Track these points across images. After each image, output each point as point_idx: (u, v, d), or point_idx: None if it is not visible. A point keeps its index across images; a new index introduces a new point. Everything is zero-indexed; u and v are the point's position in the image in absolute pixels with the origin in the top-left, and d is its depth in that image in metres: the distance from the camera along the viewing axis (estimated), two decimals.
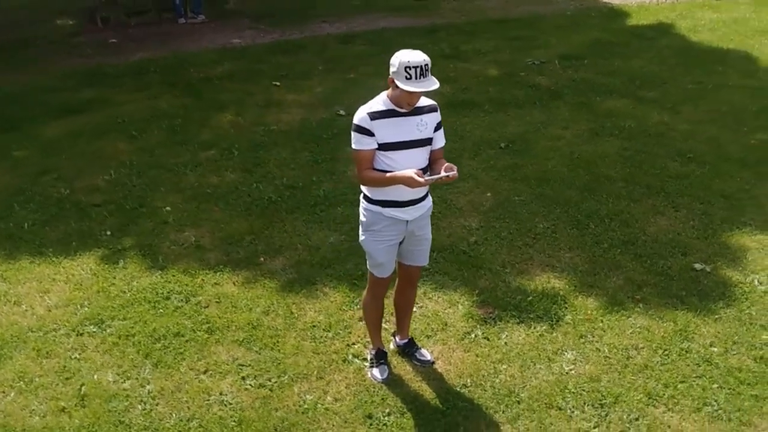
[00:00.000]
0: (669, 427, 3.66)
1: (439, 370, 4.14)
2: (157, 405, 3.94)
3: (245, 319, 4.60)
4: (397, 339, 4.26)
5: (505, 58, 9.58)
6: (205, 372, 4.17)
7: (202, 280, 5.01)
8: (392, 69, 3.37)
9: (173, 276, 5.06)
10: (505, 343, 4.32)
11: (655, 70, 8.91)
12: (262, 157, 6.82)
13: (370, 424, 3.76)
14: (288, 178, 6.39)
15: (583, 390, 3.94)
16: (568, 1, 12.45)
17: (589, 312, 4.54)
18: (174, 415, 3.88)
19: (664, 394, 3.88)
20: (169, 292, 4.89)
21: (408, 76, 3.31)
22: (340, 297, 4.79)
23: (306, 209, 5.86)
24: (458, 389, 3.99)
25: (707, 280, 4.85)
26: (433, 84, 3.34)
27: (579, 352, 4.21)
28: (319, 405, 3.92)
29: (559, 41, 10.11)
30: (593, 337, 4.35)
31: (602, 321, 4.46)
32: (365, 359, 4.21)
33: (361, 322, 4.52)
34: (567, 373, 4.07)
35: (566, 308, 4.59)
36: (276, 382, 4.08)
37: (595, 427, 3.69)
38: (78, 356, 4.33)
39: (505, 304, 4.65)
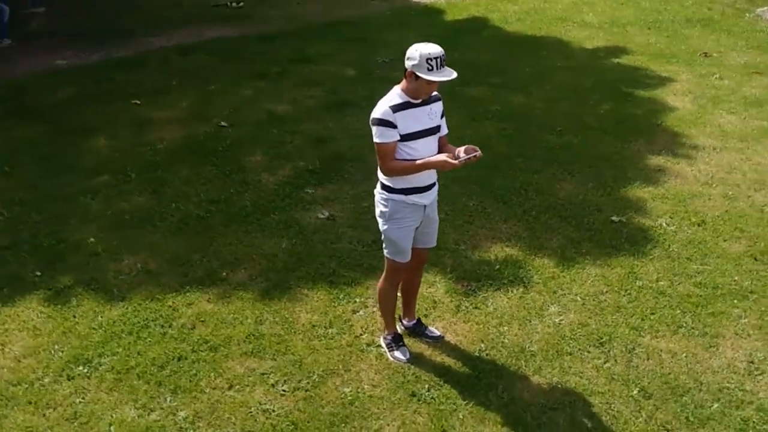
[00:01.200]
0: (661, 350, 4.33)
1: (452, 342, 4.47)
2: (199, 428, 3.86)
3: (242, 332, 4.60)
4: (405, 321, 4.53)
5: (354, 58, 9.98)
6: (230, 388, 4.15)
7: (173, 303, 4.90)
8: (412, 62, 3.64)
9: (139, 305, 4.89)
10: (494, 309, 4.76)
11: (491, 59, 9.81)
12: (163, 177, 6.64)
13: (418, 400, 4.01)
14: (204, 193, 6.31)
15: (580, 335, 4.49)
16: (380, 3, 13.12)
17: (551, 270, 5.12)
18: (222, 430, 3.81)
19: (644, 326, 4.55)
20: (144, 321, 4.73)
21: (429, 68, 3.61)
22: (324, 295, 4.93)
23: (240, 220, 5.86)
24: (477, 354, 4.36)
25: (626, 228, 5.65)
26: (453, 73, 3.67)
27: (560, 305, 4.77)
28: (361, 394, 4.07)
29: (397, 39, 10.70)
30: (564, 290, 4.93)
31: (565, 276, 5.07)
32: (379, 346, 4.42)
33: (356, 314, 4.73)
34: (559, 324, 4.60)
35: (530, 270, 5.13)
36: (308, 382, 4.17)
37: (605, 362, 4.25)
38: (83, 399, 4.10)
39: (476, 276, 5.09)
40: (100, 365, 4.32)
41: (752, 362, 4.21)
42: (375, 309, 4.74)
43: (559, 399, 3.99)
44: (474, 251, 5.37)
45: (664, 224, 5.67)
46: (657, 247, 5.34)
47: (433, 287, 4.98)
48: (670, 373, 4.13)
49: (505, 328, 4.56)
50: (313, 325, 4.65)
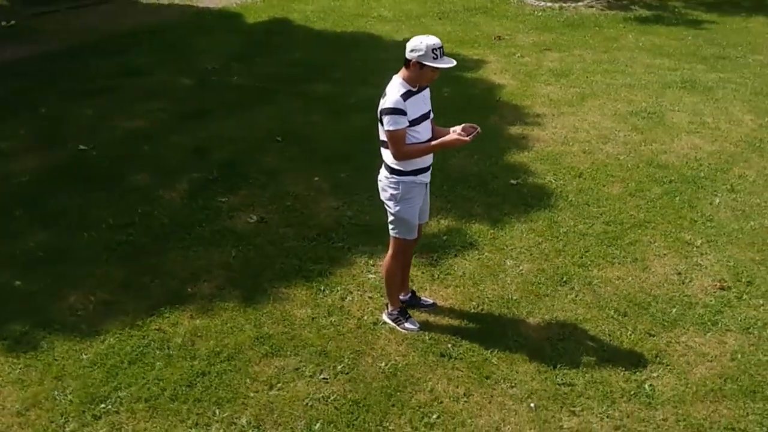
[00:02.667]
0: (610, 278, 5.21)
1: (445, 306, 4.97)
2: (267, 429, 3.98)
3: (248, 337, 4.68)
4: (402, 296, 4.93)
5: (182, 67, 9.89)
6: (272, 388, 4.27)
7: (157, 326, 4.82)
8: (418, 53, 4.06)
9: (120, 335, 4.74)
10: (463, 272, 5.34)
11: (320, 57, 10.28)
12: (52, 208, 6.27)
13: (450, 358, 4.45)
14: (112, 218, 6.09)
15: (544, 279, 5.23)
16: (169, 9, 12.94)
17: (489, 232, 5.82)
18: (292, 425, 3.97)
19: (587, 262, 5.42)
20: (137, 349, 4.62)
21: (434, 56, 4.08)
22: (304, 290, 5.13)
23: (170, 237, 5.79)
24: (473, 311, 4.91)
25: (526, 188, 6.53)
26: (453, 61, 4.18)
27: (513, 259, 5.48)
28: (397, 365, 4.43)
29: (209, 45, 10.71)
30: (509, 246, 5.65)
31: (503, 235, 5.78)
32: (385, 323, 4.79)
33: (346, 300, 5.04)
34: (522, 274, 5.30)
35: (472, 235, 5.78)
36: (343, 366, 4.42)
37: (576, 296, 5.04)
38: None
39: (432, 248, 5.62)
40: (122, 399, 4.17)
41: (680, 273, 5.24)
42: (361, 293, 5.05)
43: (560, 332, 4.66)
44: (435, 216, 5.84)
45: (552, 180, 6.62)
46: (559, 199, 6.26)
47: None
48: (628, 294, 5.01)
49: (482, 286, 5.12)
50: (313, 318, 4.84)
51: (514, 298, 4.97)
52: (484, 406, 4.04)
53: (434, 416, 3.99)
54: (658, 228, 5.77)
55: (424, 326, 4.70)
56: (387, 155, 4.28)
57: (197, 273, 5.30)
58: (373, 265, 5.36)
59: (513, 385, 4.18)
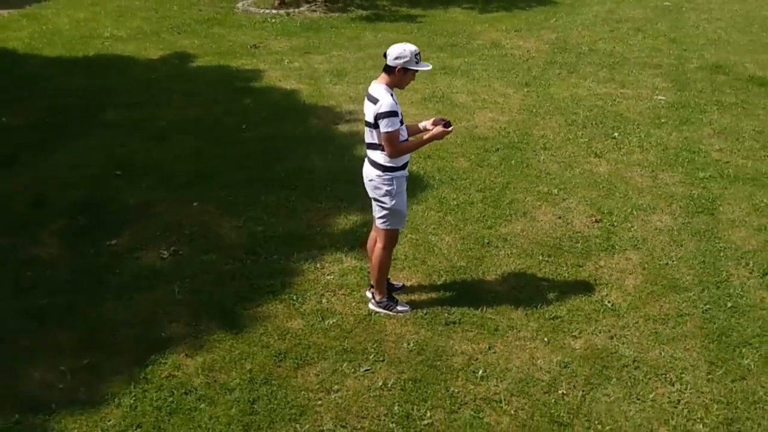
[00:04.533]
0: (517, 233, 6.29)
1: (414, 285, 5.58)
2: (355, 423, 4.32)
3: (266, 356, 4.75)
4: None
5: None
6: (329, 392, 4.47)
7: (165, 374, 4.70)
8: (403, 59, 4.63)
9: (132, 396, 4.52)
10: (405, 256, 5.88)
11: (82, 85, 9.67)
12: None
13: (456, 323, 5.08)
14: (4, 289, 5.60)
15: (471, 242, 6.10)
16: None
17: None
18: (374, 414, 4.28)
19: (494, 222, 6.39)
20: (165, 401, 4.48)
21: (416, 61, 4.71)
22: (280, 305, 5.26)
23: (90, 293, 5.43)
24: (440, 283, 5.54)
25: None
26: (429, 64, 4.83)
27: (435, 235, 6.22)
28: (420, 340, 4.93)
29: None
30: (419, 220, 6.43)
31: (410, 218, 6.56)
32: (377, 313, 5.27)
33: (328, 302, 5.38)
34: (450, 244, 6.08)
35: None
36: (375, 355, 4.74)
37: (504, 249, 6.04)
38: None
39: (359, 240, 6.18)
40: None
41: (560, 218, 6.48)
42: (333, 294, 5.40)
43: (516, 281, 5.53)
44: (328, 226, 6.30)
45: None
46: (428, 179, 7.15)
47: (348, 259, 5.83)
48: (539, 240, 6.09)
49: (429, 262, 5.80)
50: (311, 325, 5.10)
51: (461, 264, 5.73)
52: (510, 351, 4.78)
53: (480, 371, 4.59)
54: (519, 186, 6.96)
55: (414, 305, 5.24)
56: (378, 156, 4.71)
57: (153, 316, 5.11)
58: (321, 268, 5.68)
59: (518, 330, 4.97)
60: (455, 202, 6.59)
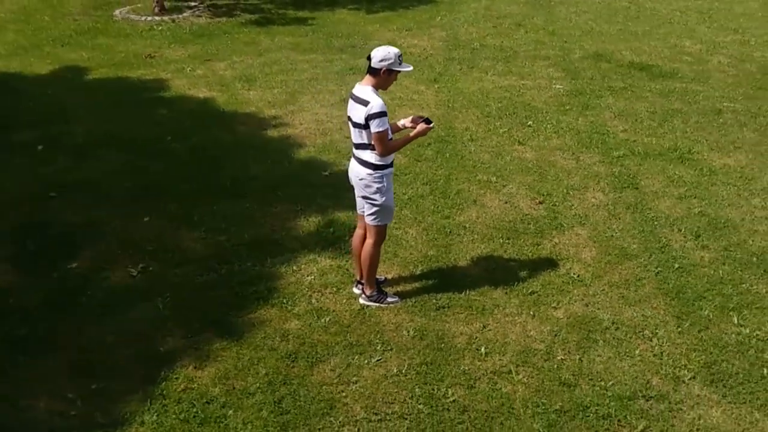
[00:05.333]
0: (472, 220, 6.73)
1: (394, 277, 5.89)
2: (384, 409, 4.59)
3: (277, 358, 4.84)
4: (359, 279, 5.66)
5: None
6: (349, 384, 4.65)
7: (181, 388, 4.73)
8: (389, 62, 4.89)
9: (153, 413, 4.50)
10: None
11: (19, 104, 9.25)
12: None
13: (445, 307, 5.39)
14: (26, 299, 5.37)
15: (433, 231, 6.44)
16: None
17: (351, 216, 6.80)
18: (399, 398, 4.51)
19: (449, 211, 6.76)
20: (190, 412, 4.48)
21: (399, 62, 5.01)
22: (272, 310, 5.31)
23: (67, 315, 5.35)
24: (419, 273, 5.83)
25: (338, 175, 7.60)
26: (410, 66, 5.13)
27: (397, 228, 6.57)
28: (418, 326, 5.25)
29: None
30: None
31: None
32: (369, 307, 5.50)
33: (318, 302, 5.56)
34: (416, 236, 6.40)
35: (347, 222, 6.70)
36: (381, 345, 4.95)
37: (466, 236, 6.46)
38: None
39: (333, 243, 6.40)
40: None
41: (507, 202, 6.98)
42: (320, 294, 5.57)
43: (486, 264, 5.91)
44: (291, 230, 6.45)
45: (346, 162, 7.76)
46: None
47: (323, 259, 6.04)
48: (494, 225, 6.51)
49: (400, 254, 6.08)
50: (309, 324, 5.23)
51: (432, 254, 6.08)
52: (503, 327, 5.17)
53: (482, 348, 4.96)
54: (460, 177, 7.40)
55: (401, 294, 5.51)
56: (368, 155, 4.95)
57: (144, 333, 5.09)
58: (299, 270, 5.83)
59: (503, 307, 5.38)
60: (406, 197, 6.90)
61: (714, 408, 4.38)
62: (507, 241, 6.17)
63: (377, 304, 5.31)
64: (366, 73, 4.83)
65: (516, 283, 5.54)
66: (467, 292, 5.45)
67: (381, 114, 4.69)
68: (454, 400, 4.43)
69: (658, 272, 5.71)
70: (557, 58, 11.35)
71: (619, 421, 4.28)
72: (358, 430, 4.26)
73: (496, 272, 5.73)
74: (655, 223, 6.44)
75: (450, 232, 6.29)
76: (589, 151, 7.91)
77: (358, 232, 5.35)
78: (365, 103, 4.71)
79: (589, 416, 4.31)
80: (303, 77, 10.31)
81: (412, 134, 4.99)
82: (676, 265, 5.79)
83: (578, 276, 5.66)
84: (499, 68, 10.80)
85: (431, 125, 4.99)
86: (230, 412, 4.34)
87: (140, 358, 4.79)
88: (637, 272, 5.72)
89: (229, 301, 5.36)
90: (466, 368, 4.70)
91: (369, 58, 4.75)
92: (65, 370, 4.66)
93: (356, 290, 5.47)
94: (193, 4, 14.63)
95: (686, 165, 7.57)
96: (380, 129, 4.72)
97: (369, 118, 4.70)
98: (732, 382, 4.57)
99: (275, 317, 5.19)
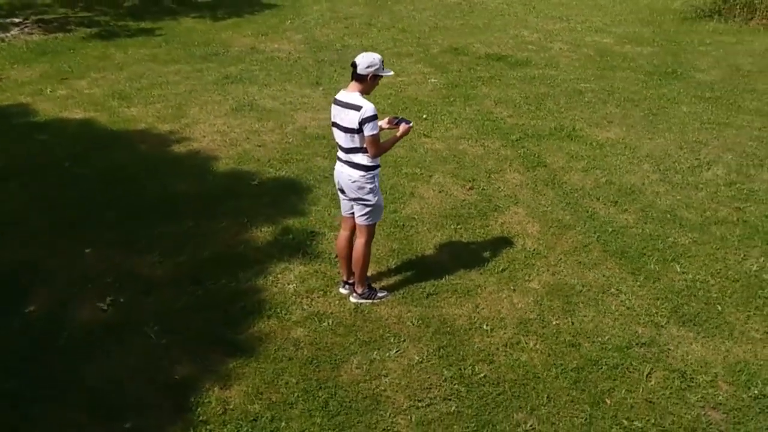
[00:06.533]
0: (418, 212, 7.13)
1: (372, 272, 6.14)
2: (423, 394, 4.91)
3: (300, 362, 4.92)
4: (348, 279, 5.88)
5: None
6: (379, 377, 4.92)
7: (220, 410, 4.70)
8: (375, 67, 5.12)
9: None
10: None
11: None
12: None
13: (433, 294, 5.72)
14: None
15: (388, 227, 6.84)
16: None
17: (301, 221, 6.98)
18: (434, 379, 4.78)
19: (395, 207, 7.20)
20: (236, 430, 4.60)
21: (382, 67, 5.30)
22: (272, 321, 5.31)
23: (54, 355, 5.12)
24: (394, 267, 6.18)
25: (270, 183, 7.68)
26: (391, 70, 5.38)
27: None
28: (419, 316, 5.51)
29: None
30: (326, 217, 6.97)
31: (317, 216, 7.03)
32: (362, 304, 5.64)
33: (309, 309, 5.71)
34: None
35: (311, 226, 6.84)
36: (394, 339, 5.21)
37: (419, 229, 6.86)
38: None
39: (304, 250, 6.52)
40: None
41: (441, 192, 7.46)
42: (309, 299, 5.66)
43: (452, 251, 6.29)
44: (248, 242, 6.46)
45: (270, 169, 7.88)
46: (300, 179, 7.63)
47: (295, 266, 6.16)
48: (440, 213, 6.96)
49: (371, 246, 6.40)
50: (315, 330, 5.35)
51: (396, 247, 6.36)
52: (493, 304, 5.61)
53: (485, 326, 5.37)
54: (388, 172, 7.67)
55: (387, 288, 5.77)
56: (360, 158, 5.15)
57: (149, 364, 4.91)
58: (276, 281, 5.86)
59: (484, 287, 5.81)
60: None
61: (693, 344, 5.10)
62: (458, 226, 6.59)
63: (370, 301, 5.52)
64: (351, 80, 4.98)
65: (485, 263, 5.98)
66: (446, 277, 5.80)
67: (374, 117, 4.90)
68: (483, 376, 4.77)
69: (598, 237, 6.41)
70: (419, 55, 11.98)
71: (627, 368, 4.85)
72: (411, 417, 4.45)
73: (463, 256, 6.14)
74: (575, 195, 7.19)
75: (403, 225, 6.60)
76: (490, 137, 8.56)
77: (343, 233, 5.50)
78: (357, 108, 4.90)
79: (602, 368, 4.85)
80: (180, 90, 10.07)
81: (398, 134, 5.24)
82: (610, 230, 6.53)
83: (534, 249, 6.22)
84: None
85: (411, 124, 5.27)
86: (282, 424, 4.37)
87: (159, 389, 4.64)
88: (580, 239, 6.40)
89: (221, 320, 5.30)
90: (480, 346, 5.06)
91: (354, 66, 4.92)
92: (87, 415, 4.42)
93: (343, 291, 5.62)
94: (17, 20, 13.54)
95: (576, 141, 8.45)
96: (374, 132, 4.93)
97: (363, 122, 4.89)
98: (698, 321, 5.34)
99: (277, 328, 5.21)
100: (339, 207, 6.41)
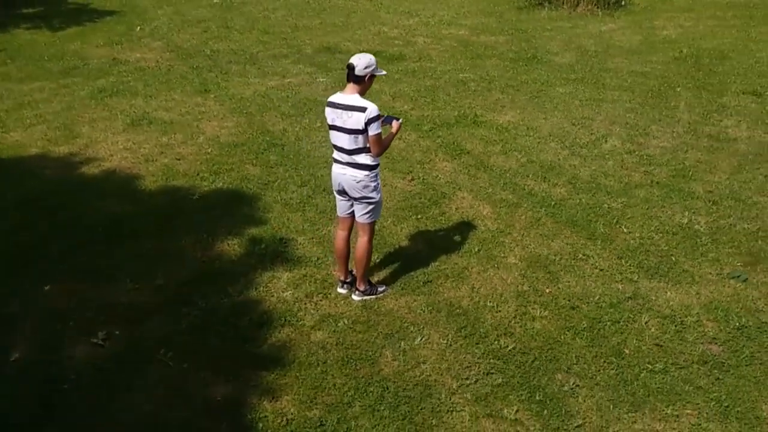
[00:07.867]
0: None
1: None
2: (460, 374, 5.22)
3: (335, 360, 5.00)
4: (347, 279, 5.98)
5: None
6: (418, 365, 5.15)
7: (275, 426, 4.57)
8: (372, 68, 5.25)
9: None
10: (317, 256, 6.60)
11: None
12: None
13: (430, 281, 5.92)
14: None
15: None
16: None
17: (279, 219, 6.96)
18: (472, 359, 5.07)
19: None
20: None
21: (377, 67, 5.48)
22: (287, 329, 5.25)
23: (68, 404, 4.90)
24: (382, 259, 6.43)
25: (212, 192, 7.54)
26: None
27: (311, 223, 6.94)
28: (429, 304, 5.78)
29: None
30: (303, 217, 7.01)
31: (293, 217, 7.03)
32: (364, 299, 5.80)
33: (320, 312, 5.78)
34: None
35: (288, 227, 6.82)
36: (413, 328, 5.40)
37: (405, 227, 7.11)
38: None
39: (283, 254, 6.51)
40: None
41: (384, 185, 7.77)
42: (314, 304, 5.72)
43: (430, 239, 6.74)
44: (222, 257, 6.36)
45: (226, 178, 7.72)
46: (256, 181, 7.57)
47: (281, 274, 6.17)
48: (400, 202, 7.33)
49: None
50: (334, 331, 5.37)
51: (385, 242, 6.57)
52: (486, 283, 5.93)
53: (488, 303, 5.74)
54: (319, 174, 7.77)
55: (385, 282, 5.95)
56: (364, 158, 5.25)
57: (181, 390, 4.77)
58: (270, 291, 5.76)
59: (470, 268, 6.16)
60: (294, 202, 7.13)
61: (669, 292, 5.80)
62: (418, 216, 6.88)
63: (373, 297, 5.66)
64: (348, 82, 5.08)
65: (460, 247, 6.33)
66: (432, 264, 6.07)
67: (377, 117, 5.04)
68: (512, 348, 5.13)
69: (545, 211, 6.99)
70: (295, 56, 12.05)
71: (627, 321, 5.43)
72: (467, 395, 4.70)
73: (436, 243, 6.44)
74: (507, 175, 7.74)
75: (393, 225, 6.73)
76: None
77: (341, 234, 5.59)
78: (362, 109, 5.01)
79: (606, 325, 5.39)
80: (56, 108, 9.43)
81: (393, 131, 5.40)
82: (552, 203, 7.15)
83: (497, 228, 6.67)
84: (254, 71, 11.12)
85: (401, 120, 5.47)
86: (352, 423, 4.43)
87: (210, 412, 4.50)
88: (531, 215, 6.94)
89: (234, 336, 5.20)
90: (494, 322, 5.41)
91: (351, 68, 5.02)
92: None
93: (342, 291, 5.71)
94: None
95: (483, 127, 9.03)
96: (379, 131, 5.08)
97: (369, 122, 5.02)
98: (662, 272, 6.05)
99: (295, 335, 5.21)
100: (294, 212, 6.50)
